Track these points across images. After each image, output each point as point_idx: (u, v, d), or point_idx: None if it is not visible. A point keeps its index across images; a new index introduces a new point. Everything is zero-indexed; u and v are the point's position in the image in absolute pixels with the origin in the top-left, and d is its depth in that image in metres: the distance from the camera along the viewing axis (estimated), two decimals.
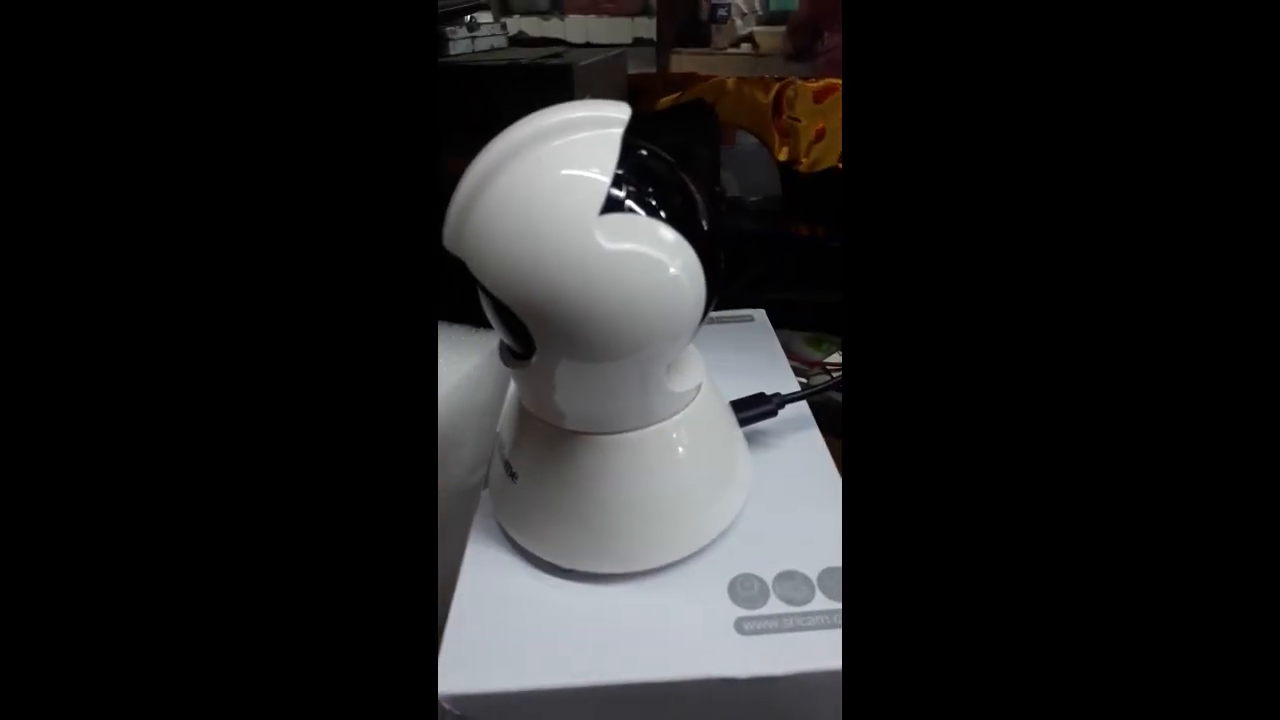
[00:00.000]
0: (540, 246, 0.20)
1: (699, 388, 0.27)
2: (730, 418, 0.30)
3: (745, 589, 0.26)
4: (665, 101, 0.74)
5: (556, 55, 0.54)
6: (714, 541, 0.28)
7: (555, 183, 0.21)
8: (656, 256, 0.21)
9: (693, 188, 0.24)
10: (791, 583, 0.26)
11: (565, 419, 0.25)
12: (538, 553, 0.27)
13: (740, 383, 0.33)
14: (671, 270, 0.21)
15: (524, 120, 0.22)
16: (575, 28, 1.21)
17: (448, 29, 0.53)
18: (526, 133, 0.21)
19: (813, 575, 0.26)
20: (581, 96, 0.57)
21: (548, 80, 0.51)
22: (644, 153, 0.23)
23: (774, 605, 0.25)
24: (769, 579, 0.26)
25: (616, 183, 0.21)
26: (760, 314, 0.46)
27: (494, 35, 0.57)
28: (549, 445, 0.26)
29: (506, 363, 0.25)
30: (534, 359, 0.23)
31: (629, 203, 0.21)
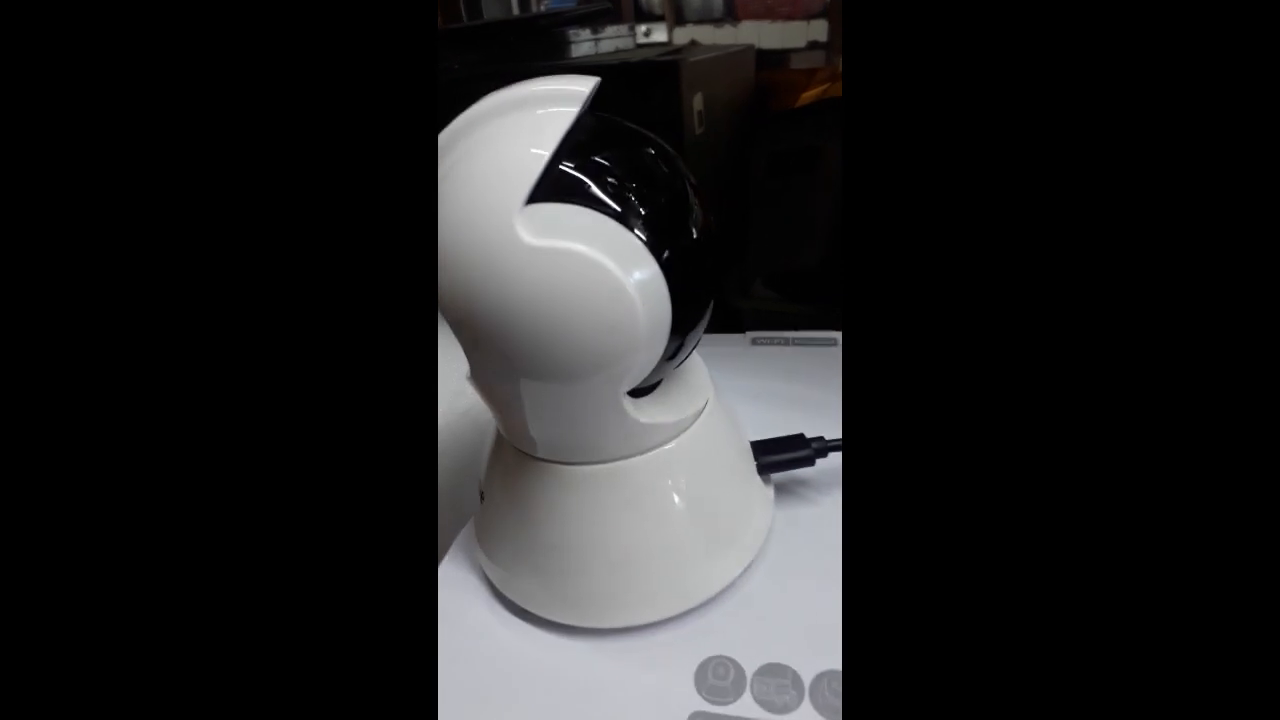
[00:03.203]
0: (451, 237, 0.17)
1: (698, 415, 0.23)
2: (744, 460, 0.25)
3: (717, 676, 0.21)
4: (808, 96, 0.65)
5: (675, 53, 0.51)
6: (695, 610, 0.23)
7: (481, 167, 0.18)
8: (594, 259, 0.17)
9: (681, 186, 0.20)
10: (776, 681, 0.21)
11: (520, 441, 0.22)
12: (494, 581, 0.25)
13: (789, 419, 0.28)
14: (618, 278, 0.17)
15: (480, 101, 0.19)
16: (748, 34, 1.19)
17: (570, 31, 0.54)
18: (471, 115, 0.19)
19: (806, 676, 0.21)
20: (694, 94, 0.53)
21: (653, 77, 0.48)
22: (614, 138, 0.20)
23: (745, 706, 0.20)
24: (749, 670, 0.21)
25: (557, 169, 0.18)
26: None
27: (620, 38, 0.56)
28: (508, 468, 0.23)
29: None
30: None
31: (569, 192, 0.18)
